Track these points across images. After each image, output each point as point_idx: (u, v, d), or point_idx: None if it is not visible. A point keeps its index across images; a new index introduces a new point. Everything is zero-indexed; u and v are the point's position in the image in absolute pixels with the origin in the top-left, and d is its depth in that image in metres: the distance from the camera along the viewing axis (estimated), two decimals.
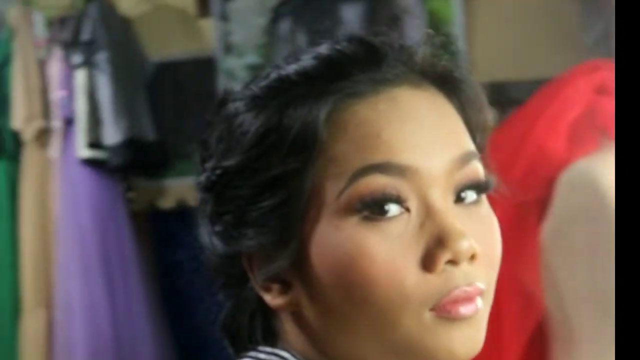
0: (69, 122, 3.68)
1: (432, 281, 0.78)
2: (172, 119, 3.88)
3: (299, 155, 0.79)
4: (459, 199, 0.81)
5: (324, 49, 0.83)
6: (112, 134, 3.58)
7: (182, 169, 3.87)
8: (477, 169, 0.82)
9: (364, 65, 0.81)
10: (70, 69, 3.67)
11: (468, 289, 0.79)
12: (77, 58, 3.66)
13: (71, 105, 3.66)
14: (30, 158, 3.70)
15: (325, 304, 0.80)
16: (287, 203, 0.79)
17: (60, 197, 3.63)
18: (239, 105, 0.83)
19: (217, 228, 0.83)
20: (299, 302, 0.82)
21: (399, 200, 0.78)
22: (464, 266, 0.79)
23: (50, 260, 3.60)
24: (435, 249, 0.78)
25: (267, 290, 0.83)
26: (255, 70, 3.62)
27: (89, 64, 3.64)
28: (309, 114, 0.79)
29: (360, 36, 0.84)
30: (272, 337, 0.86)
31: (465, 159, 0.81)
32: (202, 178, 0.84)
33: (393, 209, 0.78)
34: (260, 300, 0.84)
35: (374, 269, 0.77)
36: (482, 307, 0.80)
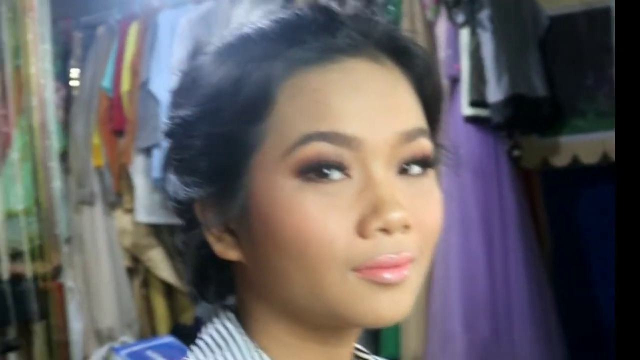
0: (454, 80, 3.87)
1: (361, 245, 0.83)
2: (566, 74, 3.91)
3: (250, 113, 0.84)
4: (403, 171, 0.86)
5: (288, 13, 0.89)
6: (494, 92, 3.70)
7: (577, 126, 3.90)
8: (424, 146, 0.87)
9: (321, 32, 0.86)
10: (455, 28, 3.86)
11: (394, 256, 0.84)
12: (460, 17, 3.83)
13: (456, 64, 3.84)
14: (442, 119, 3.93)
15: (265, 258, 0.86)
16: (236, 157, 0.85)
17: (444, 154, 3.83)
18: (204, 58, 0.90)
19: (174, 174, 0.90)
20: (245, 255, 0.88)
21: (340, 167, 0.84)
22: (397, 235, 0.84)
23: None
24: (368, 216, 0.83)
25: (219, 240, 0.89)
26: None
27: (472, 22, 3.80)
28: (263, 75, 0.84)
29: (322, 4, 0.89)
30: (226, 290, 0.94)
31: (411, 135, 0.86)
32: (166, 125, 0.92)
33: (334, 174, 0.84)
34: (214, 253, 0.90)
35: (307, 226, 0.82)
36: (411, 275, 0.85)
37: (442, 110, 0.94)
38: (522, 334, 3.60)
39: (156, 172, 4.55)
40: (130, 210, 4.78)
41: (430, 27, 3.94)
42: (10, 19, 4.87)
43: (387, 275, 0.84)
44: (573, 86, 3.91)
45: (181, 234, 0.94)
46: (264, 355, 0.90)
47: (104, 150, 4.82)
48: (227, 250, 0.89)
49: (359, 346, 0.99)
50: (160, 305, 4.86)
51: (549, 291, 3.71)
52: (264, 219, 0.84)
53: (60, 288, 4.90)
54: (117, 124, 4.77)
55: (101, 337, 4.78)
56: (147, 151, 4.63)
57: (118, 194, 4.83)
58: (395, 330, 3.85)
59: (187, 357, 0.92)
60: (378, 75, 0.86)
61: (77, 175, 4.91)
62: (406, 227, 0.84)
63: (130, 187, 4.76)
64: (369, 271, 0.84)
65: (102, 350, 4.42)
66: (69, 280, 4.91)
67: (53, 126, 4.85)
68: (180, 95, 0.91)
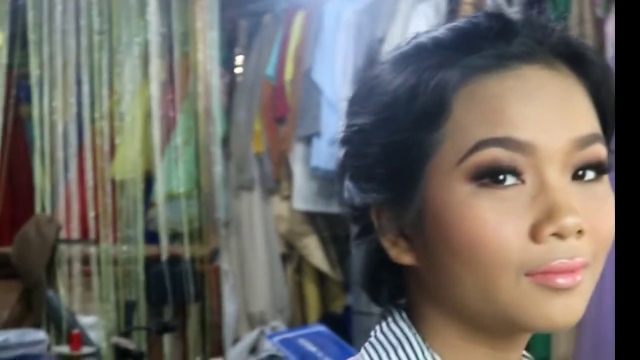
0: None
1: (535, 250, 0.85)
2: None
3: (427, 121, 0.87)
4: (576, 177, 0.87)
5: (462, 21, 0.91)
6: None
7: None
8: (598, 152, 0.88)
9: (496, 40, 0.88)
10: None
11: (568, 261, 0.85)
12: None
13: None
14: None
15: (439, 262, 0.88)
16: (412, 163, 0.88)
17: None
18: (381, 67, 0.92)
19: (350, 180, 0.93)
20: (419, 259, 0.91)
21: (514, 173, 0.85)
22: (570, 241, 0.85)
23: None
24: (542, 221, 0.84)
25: (394, 245, 0.92)
26: None
27: None
28: (439, 83, 0.87)
29: (498, 11, 0.90)
30: (398, 294, 0.96)
31: (586, 141, 0.87)
32: (343, 132, 0.94)
33: (508, 179, 0.85)
34: (388, 257, 0.93)
35: (482, 232, 0.84)
36: (583, 280, 0.86)
37: (614, 117, 0.93)
38: None
39: (315, 161, 4.65)
40: (287, 197, 4.90)
41: (600, 24, 3.88)
42: (180, 7, 5.05)
43: (561, 281, 0.85)
44: None
45: (356, 239, 0.97)
46: (437, 358, 0.92)
47: (265, 137, 4.95)
48: (401, 255, 0.92)
49: (524, 352, 1.00)
50: (312, 292, 4.96)
51: None
52: (438, 224, 0.87)
53: (217, 271, 5.06)
54: (279, 112, 4.89)
55: (253, 320, 4.91)
56: (307, 139, 4.73)
57: (276, 181, 4.95)
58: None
59: (362, 355, 0.94)
60: (553, 81, 0.88)
61: (238, 161, 5.05)
62: (580, 232, 0.85)
63: (288, 175, 4.88)
64: (542, 276, 0.85)
65: (254, 334, 4.54)
66: (225, 263, 5.07)
67: (217, 112, 5.01)
68: (357, 103, 0.94)
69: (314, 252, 4.87)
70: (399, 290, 0.96)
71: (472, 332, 0.91)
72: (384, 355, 0.92)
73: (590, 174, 0.88)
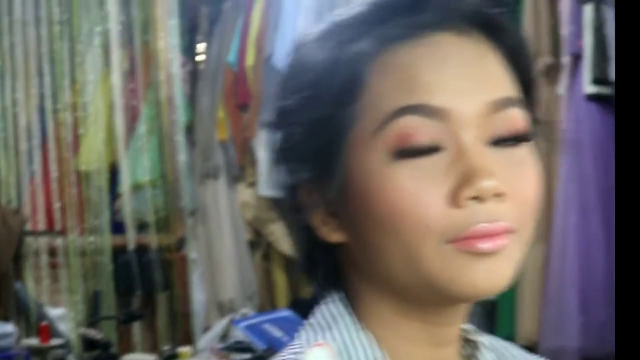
0: (576, 57, 3.88)
1: (455, 215, 0.85)
2: None
3: (345, 95, 0.88)
4: (496, 143, 0.87)
5: None
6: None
7: None
8: (515, 116, 0.88)
9: (409, 9, 0.88)
10: (578, 3, 3.86)
11: (489, 225, 0.85)
12: None
13: (579, 40, 3.85)
14: (538, 94, 3.97)
15: (364, 236, 0.89)
16: (333, 139, 0.89)
17: (564, 132, 3.86)
18: (304, 47, 0.93)
19: (282, 162, 0.94)
20: (347, 236, 0.91)
21: (432, 142, 0.86)
22: (491, 204, 0.85)
23: (551, 194, 3.85)
24: (461, 186, 0.85)
25: (323, 224, 0.92)
26: None
27: None
28: (354, 56, 0.88)
29: None
30: (335, 274, 0.95)
31: (501, 104, 0.87)
32: (273, 117, 0.96)
33: (425, 147, 0.86)
34: (320, 238, 0.93)
35: (401, 201, 0.85)
36: (509, 246, 0.86)
37: (537, 85, 0.94)
38: None
39: None
40: (253, 184, 4.93)
41: (553, 2, 3.95)
42: None
43: (482, 245, 0.85)
44: None
45: (289, 221, 0.97)
46: (370, 335, 0.92)
47: (229, 124, 4.98)
48: (331, 233, 0.92)
49: (468, 326, 0.99)
50: (280, 278, 5.00)
51: None
52: (360, 196, 0.88)
53: (184, 259, 5.10)
54: (241, 99, 4.91)
55: (222, 308, 4.95)
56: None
57: (241, 168, 4.99)
58: (510, 310, 3.91)
59: (298, 336, 0.94)
60: (466, 47, 0.88)
61: (202, 149, 5.08)
62: (499, 195, 0.85)
63: (253, 161, 4.91)
64: (464, 242, 0.85)
65: (224, 322, 4.58)
66: (193, 252, 5.11)
67: (179, 100, 5.04)
68: (283, 86, 0.95)
69: (281, 238, 4.89)
70: (334, 270, 0.96)
71: (406, 307, 0.91)
72: (319, 335, 0.93)
73: (509, 140, 0.87)
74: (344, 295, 0.95)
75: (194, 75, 5.26)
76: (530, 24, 3.95)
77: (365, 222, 0.88)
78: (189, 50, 5.24)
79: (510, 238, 0.86)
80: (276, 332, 3.11)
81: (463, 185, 0.85)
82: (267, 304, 5.02)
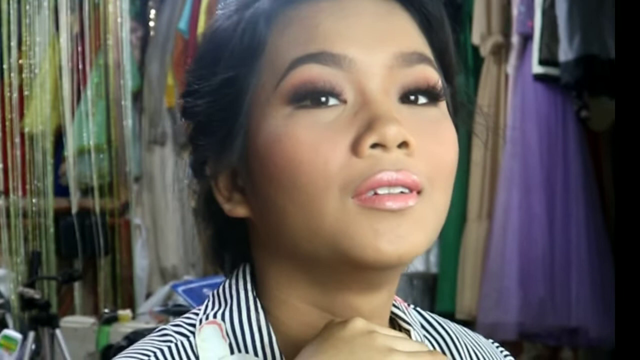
0: (526, 38, 3.93)
1: (358, 164, 0.79)
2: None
3: (245, 55, 0.83)
4: (407, 100, 0.82)
5: None
6: (566, 51, 3.74)
7: None
8: (427, 74, 0.83)
9: None
10: None
11: (395, 174, 0.79)
12: None
13: (529, 21, 3.90)
14: (487, 72, 4.03)
15: (264, 200, 0.83)
16: (234, 101, 0.84)
17: (511, 111, 3.92)
18: (210, 27, 0.89)
19: (191, 141, 0.89)
20: (252, 210, 0.86)
21: (334, 92, 0.81)
22: (396, 153, 0.79)
23: (496, 171, 3.91)
24: (363, 133, 0.79)
25: (228, 200, 0.86)
26: None
27: None
28: (254, 15, 0.84)
29: None
30: (242, 249, 0.90)
31: (411, 59, 0.82)
32: (182, 99, 0.89)
33: (330, 100, 0.81)
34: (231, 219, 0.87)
35: (299, 152, 0.79)
36: (418, 207, 0.80)
37: (454, 55, 0.89)
38: (579, 297, 3.67)
39: None
40: None
41: None
42: None
43: (390, 203, 0.78)
44: None
45: (198, 201, 0.92)
46: (263, 317, 0.86)
47: (177, 91, 4.97)
48: (235, 208, 0.86)
49: (398, 309, 0.93)
50: None
51: (609, 255, 3.78)
52: (258, 154, 0.82)
53: (127, 225, 5.10)
54: None
55: (165, 275, 4.97)
56: None
57: None
58: (451, 285, 3.96)
59: (200, 308, 0.90)
60: (373, 4, 0.84)
61: (150, 115, 5.08)
62: (406, 144, 0.80)
63: None
64: (369, 198, 0.79)
65: (166, 288, 4.60)
66: (137, 218, 5.11)
67: (128, 65, 5.02)
68: (193, 63, 0.90)
69: None
70: (244, 249, 0.90)
71: (310, 283, 0.85)
72: (217, 310, 0.88)
73: (422, 99, 0.83)
74: (251, 271, 0.89)
75: (144, 41, 5.24)
76: (482, 2, 3.99)
77: (266, 183, 0.82)
78: (140, 16, 5.21)
79: (420, 200, 0.80)
80: None
81: (366, 132, 0.79)
82: (210, 272, 5.03)
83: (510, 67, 3.95)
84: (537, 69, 3.84)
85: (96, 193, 4.96)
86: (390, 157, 0.79)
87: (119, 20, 5.00)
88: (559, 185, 3.77)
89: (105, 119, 5.06)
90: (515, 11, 3.93)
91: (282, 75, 0.81)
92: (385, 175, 0.79)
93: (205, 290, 2.98)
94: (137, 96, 5.18)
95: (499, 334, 3.66)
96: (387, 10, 0.84)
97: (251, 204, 0.85)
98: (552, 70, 3.81)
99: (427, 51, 0.84)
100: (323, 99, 0.81)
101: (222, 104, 0.84)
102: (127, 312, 3.47)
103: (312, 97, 0.81)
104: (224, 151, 0.85)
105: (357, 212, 0.79)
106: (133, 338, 2.99)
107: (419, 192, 0.80)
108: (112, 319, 3.60)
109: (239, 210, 0.86)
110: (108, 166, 5.05)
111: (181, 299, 3.30)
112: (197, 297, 2.94)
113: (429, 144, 0.81)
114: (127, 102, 5.04)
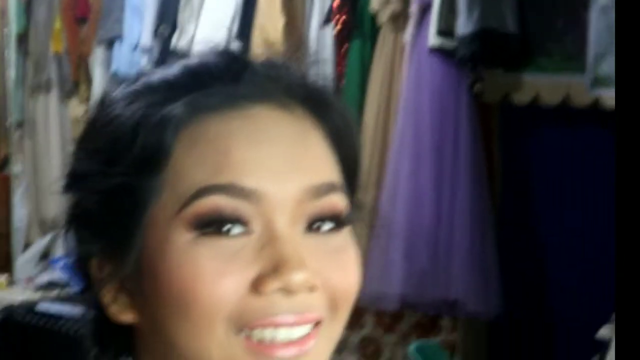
0: (425, 8, 3.90)
1: (255, 302, 0.78)
2: (539, 13, 3.96)
3: (146, 164, 0.80)
4: (311, 228, 0.81)
5: (192, 59, 0.85)
6: (463, 24, 3.73)
7: (541, 65, 3.97)
8: (335, 203, 0.82)
9: (225, 78, 0.82)
10: None
11: (294, 317, 0.79)
12: None
13: None
14: (384, 40, 4.00)
15: (155, 318, 0.81)
16: (130, 211, 0.81)
17: (405, 81, 3.90)
18: (106, 109, 0.85)
19: (74, 230, 0.86)
20: (139, 317, 0.83)
21: (240, 222, 0.79)
22: (299, 296, 0.78)
23: (387, 141, 3.90)
24: (268, 275, 0.78)
25: (114, 301, 0.84)
26: None
27: None
28: (159, 123, 0.80)
29: (227, 48, 0.85)
30: (126, 352, 0.88)
31: (321, 190, 0.81)
32: (65, 179, 0.87)
33: (234, 228, 0.79)
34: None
35: (199, 283, 0.77)
36: (317, 345, 0.80)
37: (361, 166, 0.89)
38: (460, 270, 3.71)
39: (115, 66, 4.57)
40: (86, 100, 4.81)
41: None
42: None
43: (281, 352, 0.78)
44: (543, 25, 3.96)
45: (81, 296, 0.89)
46: None
47: (65, 36, 4.82)
48: (121, 312, 0.84)
49: None
50: None
51: (492, 230, 3.82)
52: (155, 274, 0.80)
53: (6, 180, 4.95)
54: (80, 11, 4.77)
55: (45, 226, 4.85)
56: (109, 43, 4.64)
57: (75, 83, 4.85)
58: None
59: None
60: (286, 123, 0.82)
61: (35, 61, 4.92)
62: (311, 288, 0.79)
63: (88, 77, 4.78)
64: (258, 346, 0.78)
65: (45, 240, 4.49)
66: (17, 166, 4.96)
67: (13, 13, 4.84)
68: (81, 145, 0.87)
69: None
70: (126, 348, 0.88)
71: None
72: None
73: (326, 226, 0.82)
74: None
75: None
76: None
77: (159, 302, 0.80)
78: None
79: (317, 333, 0.80)
80: None
81: (271, 274, 0.78)
82: None
83: (407, 36, 3.92)
84: (434, 40, 3.83)
85: None
86: (291, 302, 0.78)
87: None
88: (447, 158, 3.79)
89: None
90: None
91: (186, 201, 0.79)
92: (284, 318, 0.78)
93: None
94: (22, 39, 5.00)
95: (382, 304, 3.68)
96: (300, 132, 0.82)
97: (139, 311, 0.83)
98: (448, 43, 3.80)
99: (335, 177, 0.83)
100: (227, 227, 0.79)
101: (115, 210, 0.81)
102: (2, 279, 3.36)
103: (216, 224, 0.78)
104: (115, 259, 0.82)
105: (244, 353, 0.78)
106: (7, 316, 2.91)
107: (317, 323, 0.81)
108: None
109: (125, 316, 0.84)
110: None
111: (56, 274, 3.19)
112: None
113: (332, 274, 0.81)
114: (11, 52, 4.86)
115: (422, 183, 3.77)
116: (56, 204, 4.88)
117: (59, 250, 4.33)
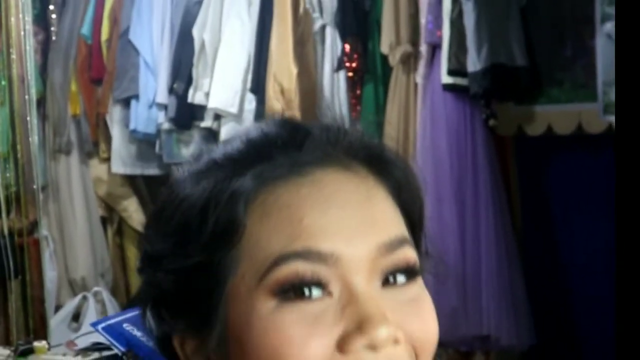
0: (435, 47, 3.95)
1: None
2: (545, 44, 3.99)
3: (220, 240, 0.81)
4: (387, 282, 0.83)
5: (253, 132, 0.87)
6: (473, 62, 3.78)
7: (552, 95, 4.00)
8: (407, 255, 0.84)
9: (287, 147, 0.84)
10: None
11: None
12: None
13: (438, 30, 3.91)
14: (396, 81, 4.03)
15: None
16: (210, 287, 0.82)
17: (420, 120, 3.94)
18: (175, 188, 0.87)
19: (151, 310, 0.87)
20: None
21: (320, 285, 0.80)
22: (384, 350, 0.80)
23: None
24: (352, 333, 0.79)
25: None
26: None
27: None
28: (229, 198, 0.82)
29: (285, 118, 0.88)
30: None
31: (392, 245, 0.83)
32: (139, 262, 0.89)
33: (314, 291, 0.80)
34: None
35: (286, 348, 0.79)
36: None
37: (424, 215, 0.90)
38: (490, 305, 3.72)
39: (133, 124, 4.63)
40: (106, 160, 4.87)
41: None
42: None
43: None
44: (551, 56, 4.00)
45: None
46: None
47: (82, 98, 4.88)
48: None
49: None
50: (133, 254, 4.96)
51: (517, 261, 3.84)
52: (242, 345, 0.82)
53: (37, 243, 4.99)
54: (95, 73, 4.82)
55: (75, 286, 4.89)
56: (125, 102, 4.70)
57: (94, 143, 4.91)
58: None
59: None
60: (351, 185, 0.84)
61: (54, 123, 4.97)
62: (395, 341, 0.81)
63: (107, 136, 4.84)
64: None
65: (75, 300, 4.53)
66: (44, 229, 5.00)
67: (32, 80, 4.89)
68: (151, 228, 0.88)
69: (134, 214, 4.87)
70: None
71: None
72: None
73: (401, 278, 0.83)
74: None
75: (45, 45, 5.11)
76: (390, 11, 3.99)
77: None
78: (40, 19, 5.08)
79: None
80: (135, 332, 3.08)
81: (355, 332, 0.80)
82: (121, 280, 4.98)
83: (419, 77, 3.96)
84: (446, 79, 3.87)
85: (4, 213, 4.84)
86: (378, 357, 0.80)
87: (22, 33, 4.87)
88: (469, 195, 3.82)
89: (11, 129, 4.93)
90: (423, 20, 3.94)
91: (265, 270, 0.81)
92: None
93: (125, 325, 2.94)
94: (40, 103, 5.05)
95: None
96: (365, 191, 0.84)
97: None
98: (460, 80, 3.84)
99: (403, 230, 0.85)
100: (307, 291, 0.80)
101: (194, 288, 0.83)
102: (43, 344, 3.40)
103: (297, 289, 0.80)
104: (198, 336, 0.84)
105: None
106: None
107: None
108: (28, 351, 3.52)
109: None
110: (14, 179, 4.92)
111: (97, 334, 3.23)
112: (118, 334, 2.89)
113: (413, 325, 0.82)
114: (33, 119, 4.91)
115: (445, 221, 3.79)
116: (84, 264, 4.92)
117: (89, 311, 4.36)
